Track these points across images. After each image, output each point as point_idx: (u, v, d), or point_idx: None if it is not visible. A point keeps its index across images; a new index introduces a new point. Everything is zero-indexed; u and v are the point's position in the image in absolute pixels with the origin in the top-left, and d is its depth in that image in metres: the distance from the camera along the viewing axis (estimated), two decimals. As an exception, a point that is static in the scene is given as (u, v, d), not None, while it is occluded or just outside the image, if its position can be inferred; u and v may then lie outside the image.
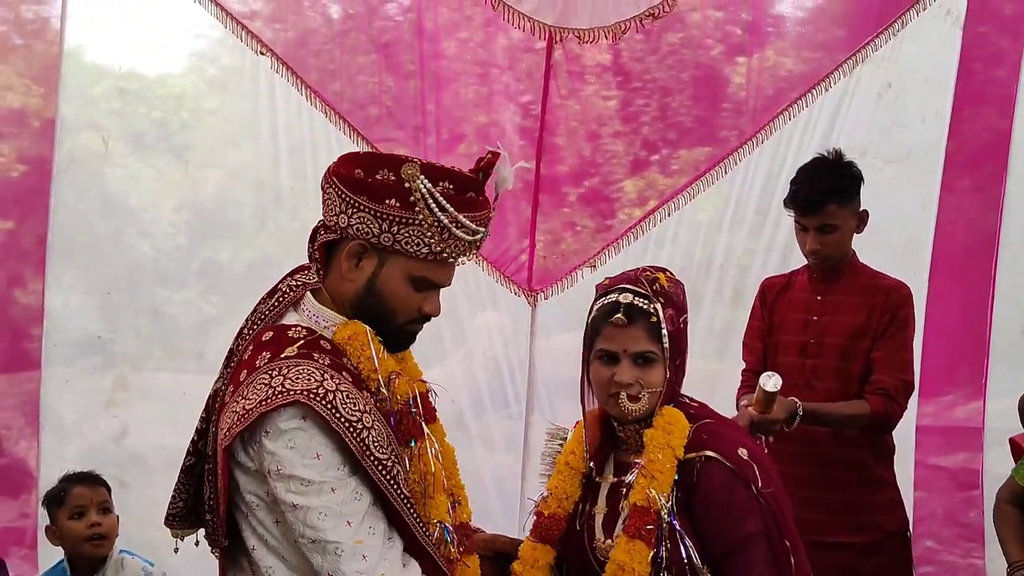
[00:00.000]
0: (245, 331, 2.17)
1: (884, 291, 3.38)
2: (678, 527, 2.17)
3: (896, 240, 4.24)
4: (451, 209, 1.97)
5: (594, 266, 4.41)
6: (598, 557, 2.26)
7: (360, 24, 4.34)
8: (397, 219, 1.97)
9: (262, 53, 4.03)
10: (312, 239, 2.12)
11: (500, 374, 4.50)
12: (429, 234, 1.97)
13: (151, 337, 4.10)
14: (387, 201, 1.98)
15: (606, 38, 4.28)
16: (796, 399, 3.21)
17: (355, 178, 2.00)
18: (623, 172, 4.69)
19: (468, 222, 1.99)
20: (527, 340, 4.53)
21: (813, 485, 3.31)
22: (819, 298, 3.45)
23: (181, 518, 2.20)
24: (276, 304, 2.15)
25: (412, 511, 1.98)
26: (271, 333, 2.04)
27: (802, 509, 3.20)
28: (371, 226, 1.99)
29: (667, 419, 2.24)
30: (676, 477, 2.19)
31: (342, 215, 2.01)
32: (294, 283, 2.18)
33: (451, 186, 1.98)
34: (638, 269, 2.35)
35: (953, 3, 4.12)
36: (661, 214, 4.47)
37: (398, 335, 2.07)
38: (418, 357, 2.20)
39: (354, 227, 2.00)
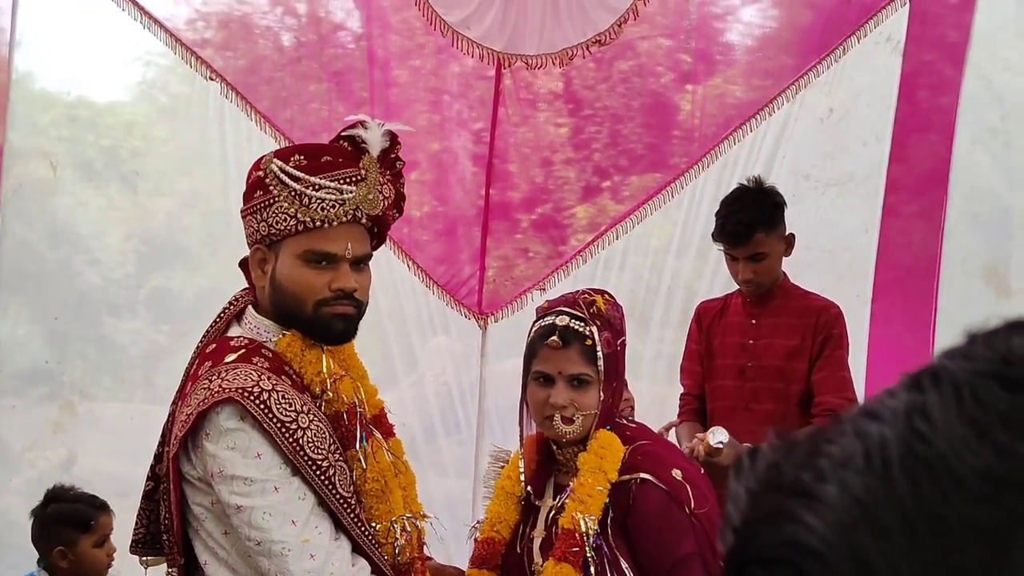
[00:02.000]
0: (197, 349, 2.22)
1: (815, 312, 3.42)
2: (606, 550, 2.18)
3: (839, 262, 4.29)
4: (304, 176, 2.01)
5: (543, 289, 4.43)
6: (537, 580, 2.27)
7: (311, 52, 4.35)
8: (262, 205, 2.04)
9: (211, 78, 4.02)
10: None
11: (451, 399, 4.50)
12: (286, 205, 2.02)
13: (100, 366, 4.08)
14: (255, 195, 2.06)
15: (554, 64, 4.32)
16: (746, 444, 3.21)
17: (244, 193, 2.10)
18: (575, 198, 4.72)
19: (328, 182, 2.02)
20: (478, 365, 4.53)
21: None
22: (753, 322, 3.49)
23: (144, 544, 2.21)
24: (220, 318, 2.19)
25: (350, 513, 1.99)
26: (214, 345, 2.09)
27: None
28: (252, 226, 2.06)
29: (600, 443, 2.25)
30: (609, 499, 2.21)
31: (245, 231, 2.10)
32: (238, 298, 2.22)
33: (302, 157, 2.04)
34: (577, 291, 2.37)
35: (893, 30, 4.18)
36: (610, 237, 4.50)
37: (320, 322, 2.07)
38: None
39: (248, 235, 2.07)
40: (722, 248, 3.45)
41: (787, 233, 3.45)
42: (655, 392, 4.31)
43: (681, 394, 3.68)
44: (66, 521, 3.20)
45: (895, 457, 0.46)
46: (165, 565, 2.21)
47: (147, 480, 2.21)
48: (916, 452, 0.46)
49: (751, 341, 3.47)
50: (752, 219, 3.35)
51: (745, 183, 3.54)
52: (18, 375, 3.91)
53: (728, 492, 0.51)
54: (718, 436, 3.08)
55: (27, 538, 3.68)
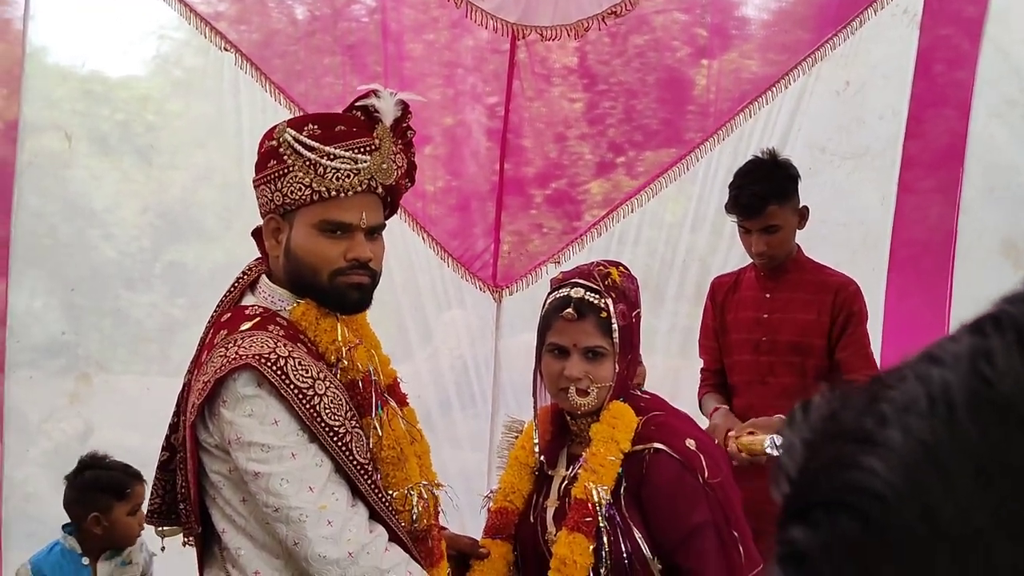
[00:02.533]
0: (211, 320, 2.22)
1: (832, 289, 3.41)
2: (618, 519, 2.19)
3: (855, 235, 4.28)
4: (318, 145, 2.01)
5: (558, 262, 4.42)
6: (550, 550, 2.28)
7: (325, 25, 4.33)
8: (276, 175, 2.04)
9: (226, 49, 4.01)
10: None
11: (466, 372, 4.50)
12: (301, 174, 2.01)
13: (115, 339, 4.09)
14: (268, 165, 2.05)
15: (569, 36, 4.29)
16: (782, 416, 3.21)
17: (256, 163, 2.09)
18: (589, 174, 4.71)
19: (343, 152, 2.03)
20: (493, 338, 4.53)
21: None
22: (768, 296, 3.47)
23: (160, 514, 2.23)
24: (234, 288, 2.19)
25: (367, 479, 2.00)
26: (229, 314, 2.09)
27: None
28: (265, 195, 2.06)
29: (613, 413, 2.26)
30: (623, 469, 2.21)
31: (257, 201, 2.10)
32: (251, 267, 2.22)
33: (316, 127, 2.04)
34: (592, 263, 2.36)
35: (910, 2, 4.15)
36: (625, 211, 4.48)
37: (335, 291, 2.08)
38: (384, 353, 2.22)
39: (261, 205, 2.07)
40: (735, 220, 3.44)
41: (801, 206, 3.44)
42: (669, 366, 4.31)
43: (701, 369, 3.68)
44: (103, 488, 3.23)
45: (959, 401, 0.45)
46: (181, 535, 2.22)
47: (162, 450, 2.22)
48: (980, 395, 0.45)
49: (765, 315, 3.46)
50: (766, 191, 3.34)
51: (759, 155, 3.52)
52: (34, 347, 3.93)
53: (782, 444, 0.51)
54: (777, 442, 3.06)
55: (44, 507, 3.72)
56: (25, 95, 3.86)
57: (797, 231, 3.46)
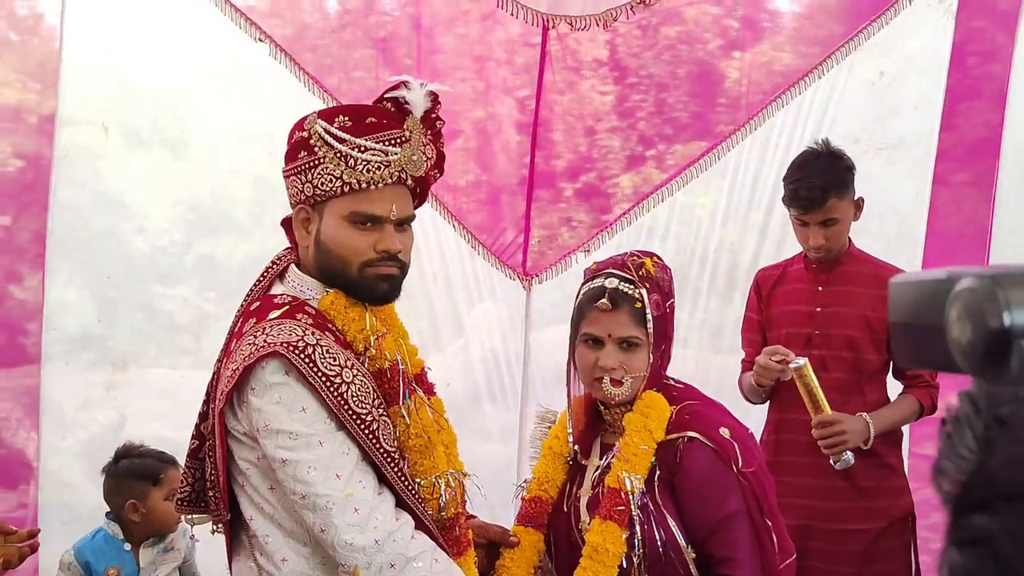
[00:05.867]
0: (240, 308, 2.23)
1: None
2: (652, 508, 2.18)
3: (889, 226, 4.23)
4: (350, 137, 2.01)
5: (588, 251, 4.41)
6: (583, 539, 2.27)
7: (357, 19, 4.34)
8: (307, 166, 2.04)
9: (260, 40, 4.03)
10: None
11: (497, 365, 4.50)
12: (332, 166, 2.02)
13: (147, 333, 4.11)
14: (299, 156, 2.06)
15: (598, 25, 4.27)
16: (866, 416, 3.20)
17: (286, 153, 2.10)
18: (619, 167, 4.69)
19: (374, 144, 2.03)
20: (523, 331, 4.53)
21: (826, 473, 3.30)
22: (820, 288, 3.40)
23: (190, 502, 2.23)
24: (263, 277, 2.20)
25: (394, 467, 2.01)
26: (258, 302, 2.10)
27: (814, 497, 3.26)
28: (296, 186, 2.07)
29: (646, 403, 2.25)
30: (656, 459, 2.21)
31: (287, 191, 2.11)
32: (280, 257, 2.23)
33: (347, 118, 2.04)
34: (626, 254, 2.36)
35: (946, -7, 4.13)
36: (655, 200, 4.47)
37: (365, 283, 2.08)
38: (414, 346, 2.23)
39: (291, 195, 2.08)
40: (793, 214, 3.36)
41: (856, 197, 3.37)
42: (699, 360, 4.28)
43: (743, 360, 3.60)
44: (137, 475, 3.28)
45: None
46: (210, 523, 2.23)
47: (192, 438, 2.23)
48: None
49: (819, 309, 3.39)
50: (826, 184, 3.26)
51: (814, 147, 3.43)
52: (68, 339, 3.96)
53: (941, 443, 0.60)
54: (793, 361, 3.10)
55: (79, 496, 3.75)
56: (59, 88, 3.88)
57: (852, 223, 3.39)
